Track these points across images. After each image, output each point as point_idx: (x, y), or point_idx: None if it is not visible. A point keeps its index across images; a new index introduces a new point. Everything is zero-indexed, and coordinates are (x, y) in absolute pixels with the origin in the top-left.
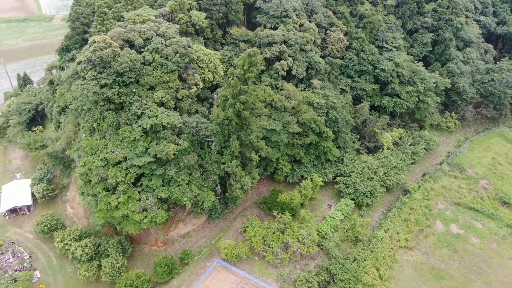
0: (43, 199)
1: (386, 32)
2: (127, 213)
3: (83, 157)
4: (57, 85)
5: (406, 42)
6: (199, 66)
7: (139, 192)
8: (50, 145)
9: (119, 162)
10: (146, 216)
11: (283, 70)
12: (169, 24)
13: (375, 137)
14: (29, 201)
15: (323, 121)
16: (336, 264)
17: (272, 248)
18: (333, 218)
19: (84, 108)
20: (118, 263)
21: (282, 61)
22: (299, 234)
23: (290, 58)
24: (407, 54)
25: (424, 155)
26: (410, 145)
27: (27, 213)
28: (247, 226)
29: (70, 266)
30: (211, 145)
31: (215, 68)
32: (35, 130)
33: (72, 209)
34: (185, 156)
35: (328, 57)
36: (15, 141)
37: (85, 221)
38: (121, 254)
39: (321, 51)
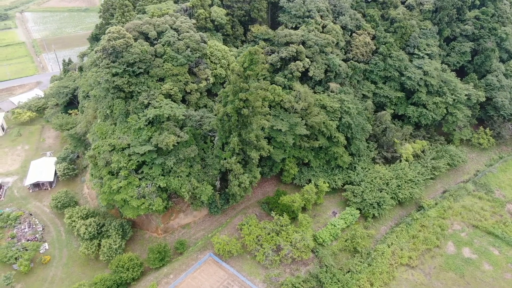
0: (63, 177)
1: (420, 38)
2: (126, 198)
3: (95, 140)
4: (85, 71)
5: (442, 50)
6: (211, 62)
7: (139, 179)
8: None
9: (123, 149)
10: (143, 203)
11: (298, 70)
12: (185, 19)
13: (394, 147)
14: (51, 178)
15: (335, 126)
16: (326, 273)
17: (264, 248)
18: (334, 226)
19: (101, 94)
20: (116, 244)
21: (298, 62)
22: (293, 238)
23: (308, 59)
24: (442, 63)
25: (448, 171)
26: (432, 159)
27: (49, 188)
28: (244, 224)
29: (75, 242)
30: (214, 139)
31: (228, 64)
32: (71, 113)
33: (88, 189)
34: (185, 148)
35: (352, 61)
36: (51, 122)
37: (96, 202)
38: (120, 236)
39: (344, 54)
